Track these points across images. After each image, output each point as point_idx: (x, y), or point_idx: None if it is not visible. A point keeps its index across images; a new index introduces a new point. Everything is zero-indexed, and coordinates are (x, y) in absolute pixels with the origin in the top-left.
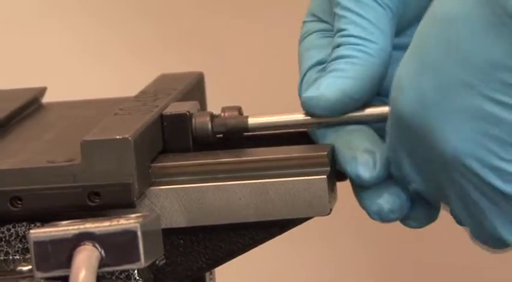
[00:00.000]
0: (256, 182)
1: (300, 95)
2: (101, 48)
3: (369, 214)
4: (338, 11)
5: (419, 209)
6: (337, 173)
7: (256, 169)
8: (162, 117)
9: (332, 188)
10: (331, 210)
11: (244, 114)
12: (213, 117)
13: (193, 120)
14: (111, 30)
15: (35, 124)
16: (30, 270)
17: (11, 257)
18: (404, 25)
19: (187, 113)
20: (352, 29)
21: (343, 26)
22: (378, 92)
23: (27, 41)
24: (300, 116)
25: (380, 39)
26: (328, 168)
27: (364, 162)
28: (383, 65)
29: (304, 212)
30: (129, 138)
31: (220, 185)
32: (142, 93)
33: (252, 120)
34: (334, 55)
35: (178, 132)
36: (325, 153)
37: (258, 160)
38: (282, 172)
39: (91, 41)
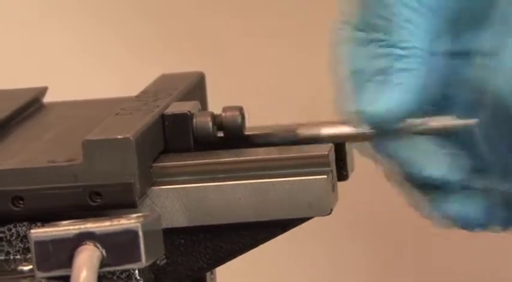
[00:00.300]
0: (256, 182)
1: (339, 102)
2: (101, 48)
3: (454, 221)
4: (397, 20)
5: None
6: (338, 173)
7: (257, 169)
8: (163, 117)
9: (333, 188)
10: (331, 210)
11: (245, 114)
12: (214, 117)
13: (194, 120)
14: (111, 30)
15: (36, 124)
16: (31, 270)
17: (12, 257)
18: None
19: (188, 113)
20: (415, 41)
21: (404, 37)
22: None
23: (28, 40)
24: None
25: (436, 51)
26: (329, 168)
27: (447, 164)
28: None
29: (304, 212)
30: (131, 138)
31: (220, 184)
32: (143, 93)
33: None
34: (397, 66)
35: (179, 132)
36: (326, 153)
37: (258, 160)
38: (282, 172)
39: (91, 40)
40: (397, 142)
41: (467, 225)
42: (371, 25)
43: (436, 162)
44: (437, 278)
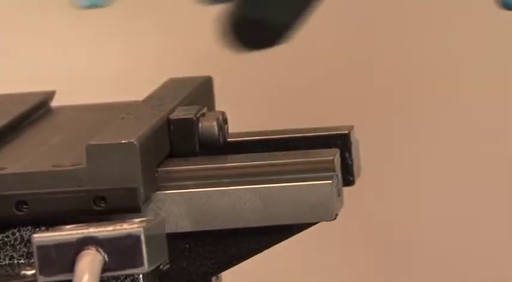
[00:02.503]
0: (261, 187)
1: None
2: (107, 52)
3: None
4: None
5: None
6: (343, 178)
7: (262, 174)
8: (168, 122)
9: (338, 193)
10: (336, 215)
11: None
12: (219, 121)
13: (199, 124)
14: (116, 34)
15: (43, 128)
16: (34, 275)
17: (15, 261)
18: None
19: (194, 118)
20: None
21: None
22: None
23: (33, 43)
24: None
25: None
26: (334, 173)
27: None
28: None
29: (309, 217)
30: (135, 142)
31: (225, 189)
32: (150, 97)
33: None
34: None
35: (184, 136)
36: (332, 158)
37: (264, 165)
38: (288, 177)
39: (98, 45)
40: None
41: None
42: None
43: None
44: (442, 279)
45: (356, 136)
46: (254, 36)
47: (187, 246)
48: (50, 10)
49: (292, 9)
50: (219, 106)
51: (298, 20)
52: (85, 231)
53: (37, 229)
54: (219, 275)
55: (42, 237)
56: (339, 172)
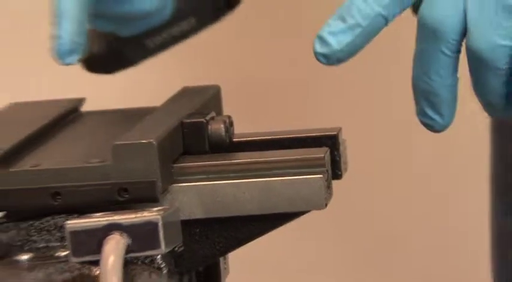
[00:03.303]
0: (261, 181)
1: None
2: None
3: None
4: None
5: None
6: (333, 173)
7: (262, 169)
8: (182, 124)
9: (328, 186)
10: (326, 205)
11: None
12: (226, 124)
13: (209, 127)
14: None
15: (74, 130)
16: (66, 256)
17: (51, 244)
18: None
19: (204, 121)
20: None
21: None
22: None
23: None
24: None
25: None
26: (325, 168)
27: None
28: None
29: (302, 207)
30: (154, 142)
31: (230, 182)
32: (166, 103)
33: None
34: None
35: (196, 137)
36: (322, 155)
37: (263, 161)
38: (284, 172)
39: None
40: None
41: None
42: None
43: None
44: (427, 273)
45: (344, 136)
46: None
47: (198, 231)
48: None
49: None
50: (226, 111)
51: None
52: (110, 218)
53: (69, 217)
54: (226, 256)
55: (73, 223)
56: (328, 168)
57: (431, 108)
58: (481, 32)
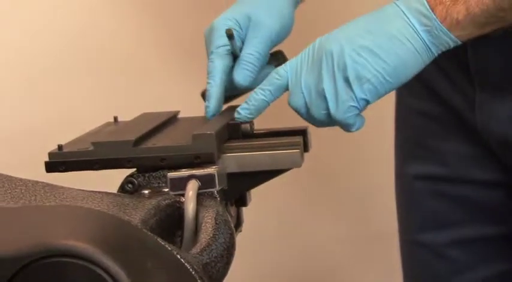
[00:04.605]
0: (265, 153)
1: None
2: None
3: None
4: None
5: None
6: (304, 148)
7: (265, 146)
8: (228, 125)
9: (302, 155)
10: (301, 165)
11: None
12: (251, 124)
13: (241, 125)
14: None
15: (174, 127)
16: (167, 192)
17: (160, 185)
18: None
19: (240, 122)
20: None
21: None
22: None
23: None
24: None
25: None
26: (300, 146)
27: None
28: None
29: (290, 165)
30: (213, 133)
31: (250, 154)
32: (221, 113)
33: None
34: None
35: (235, 130)
36: (299, 139)
37: (267, 143)
38: (279, 147)
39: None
40: None
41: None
42: None
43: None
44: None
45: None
46: None
47: (234, 178)
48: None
49: None
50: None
51: None
52: (190, 171)
53: (169, 171)
54: (249, 191)
55: (172, 174)
56: (301, 146)
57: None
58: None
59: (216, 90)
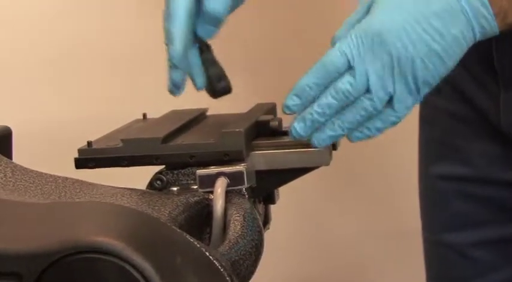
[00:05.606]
0: (294, 151)
1: None
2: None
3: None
4: None
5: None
6: (332, 148)
7: (295, 145)
8: (257, 122)
9: (331, 154)
10: (329, 163)
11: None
12: (280, 122)
13: (270, 123)
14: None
15: (203, 124)
16: (196, 189)
17: (189, 182)
18: None
19: (269, 120)
20: None
21: None
22: None
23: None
24: None
25: None
26: (330, 144)
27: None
28: None
29: (320, 164)
30: (242, 130)
31: (278, 152)
32: (249, 111)
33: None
34: None
35: (264, 128)
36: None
37: (296, 141)
38: (307, 145)
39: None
40: None
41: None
42: None
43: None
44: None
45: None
46: None
47: (262, 175)
48: None
49: None
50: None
51: None
52: (219, 169)
53: (198, 168)
54: (278, 189)
55: (201, 171)
56: (330, 144)
57: None
58: None
59: (180, 31)
